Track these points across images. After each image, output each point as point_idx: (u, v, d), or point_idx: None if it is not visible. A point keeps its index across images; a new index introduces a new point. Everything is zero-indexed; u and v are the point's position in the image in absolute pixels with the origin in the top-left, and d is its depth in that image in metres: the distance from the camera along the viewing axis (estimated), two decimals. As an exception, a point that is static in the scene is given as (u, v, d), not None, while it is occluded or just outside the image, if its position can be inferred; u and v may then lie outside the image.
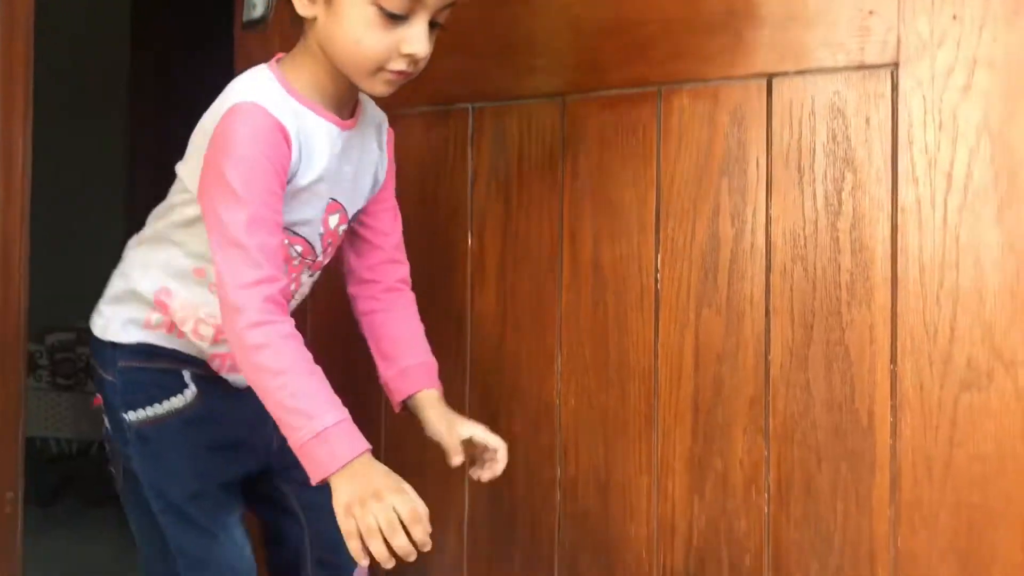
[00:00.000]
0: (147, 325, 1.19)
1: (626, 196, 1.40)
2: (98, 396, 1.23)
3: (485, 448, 1.24)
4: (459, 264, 1.54)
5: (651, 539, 1.38)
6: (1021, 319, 1.16)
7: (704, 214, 1.35)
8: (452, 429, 1.23)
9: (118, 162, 4.19)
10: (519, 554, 1.49)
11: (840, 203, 1.26)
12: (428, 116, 1.58)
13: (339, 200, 1.20)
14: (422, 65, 1.12)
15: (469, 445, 1.24)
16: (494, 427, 1.48)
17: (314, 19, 1.11)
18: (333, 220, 1.20)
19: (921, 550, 1.20)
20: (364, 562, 1.00)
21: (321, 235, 1.19)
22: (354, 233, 1.29)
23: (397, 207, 1.33)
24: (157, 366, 1.19)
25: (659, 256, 1.38)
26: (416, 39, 1.08)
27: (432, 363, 1.30)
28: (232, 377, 1.22)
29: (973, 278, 1.18)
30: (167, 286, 1.18)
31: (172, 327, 1.19)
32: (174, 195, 1.19)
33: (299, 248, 1.18)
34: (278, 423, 1.04)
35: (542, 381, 1.47)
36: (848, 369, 1.25)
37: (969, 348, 1.18)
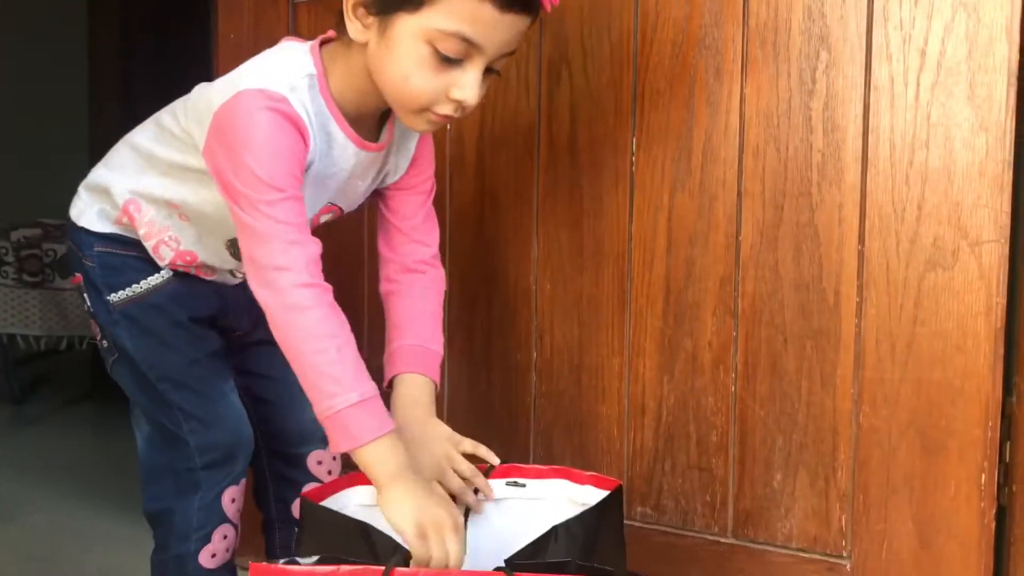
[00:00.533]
0: (117, 222, 1.21)
1: (603, 76, 1.39)
2: (76, 276, 1.25)
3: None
4: (438, 149, 1.53)
5: (622, 417, 1.40)
6: (988, 198, 1.15)
7: (680, 95, 1.33)
8: (423, 444, 1.16)
9: (81, 61, 4.17)
10: (497, 435, 1.52)
11: (814, 82, 1.25)
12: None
13: (338, 204, 1.19)
14: (469, 111, 1.06)
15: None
16: (472, 312, 1.52)
17: (365, 44, 1.05)
18: (325, 217, 1.20)
19: (882, 426, 1.23)
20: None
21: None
22: (380, 214, 1.26)
23: (429, 190, 1.27)
24: (131, 253, 1.21)
25: (635, 138, 1.37)
26: (468, 86, 1.02)
27: (428, 350, 1.21)
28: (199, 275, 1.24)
29: (942, 157, 1.17)
30: (139, 201, 1.18)
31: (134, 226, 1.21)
32: (173, 131, 1.16)
33: None
34: (305, 385, 1.03)
35: (519, 266, 1.48)
36: (816, 249, 1.25)
37: (936, 227, 1.18)
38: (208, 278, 1.23)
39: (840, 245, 1.24)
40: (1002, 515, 1.19)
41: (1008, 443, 1.18)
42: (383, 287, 1.26)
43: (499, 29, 1.00)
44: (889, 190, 1.21)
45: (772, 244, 1.28)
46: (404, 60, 1.02)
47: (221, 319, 1.26)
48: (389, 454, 1.03)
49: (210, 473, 1.21)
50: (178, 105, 1.18)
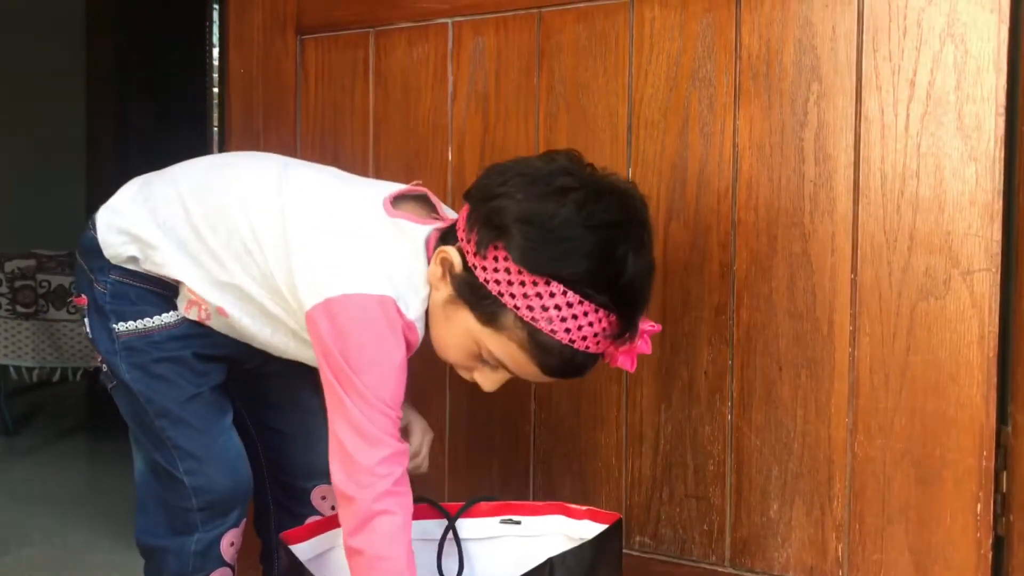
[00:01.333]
0: (147, 271, 1.17)
1: (599, 108, 1.41)
2: (82, 296, 1.21)
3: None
4: (439, 178, 1.56)
5: (620, 446, 1.41)
6: (979, 227, 1.16)
7: (674, 126, 1.35)
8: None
9: (79, 92, 4.21)
10: (497, 463, 1.53)
11: (805, 113, 1.26)
12: (409, 32, 1.58)
13: None
14: None
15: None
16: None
17: (437, 290, 1.08)
18: None
19: (877, 455, 1.23)
20: None
21: None
22: None
23: None
24: (149, 287, 1.18)
25: (630, 168, 1.38)
26: (490, 382, 1.09)
27: None
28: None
29: (933, 186, 1.18)
30: (190, 286, 1.15)
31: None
32: (256, 279, 1.12)
33: None
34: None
35: (518, 294, 1.49)
36: (810, 279, 1.26)
37: (928, 256, 1.19)
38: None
39: (833, 274, 1.25)
40: (999, 545, 1.19)
41: (1004, 472, 1.18)
42: None
43: (539, 377, 1.06)
44: (881, 219, 1.21)
45: (766, 273, 1.29)
46: (451, 337, 1.07)
47: (235, 358, 1.23)
48: None
49: (207, 516, 1.19)
50: (256, 226, 1.11)
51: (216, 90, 3.44)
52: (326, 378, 1.06)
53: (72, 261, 3.07)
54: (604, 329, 1.02)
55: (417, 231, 1.10)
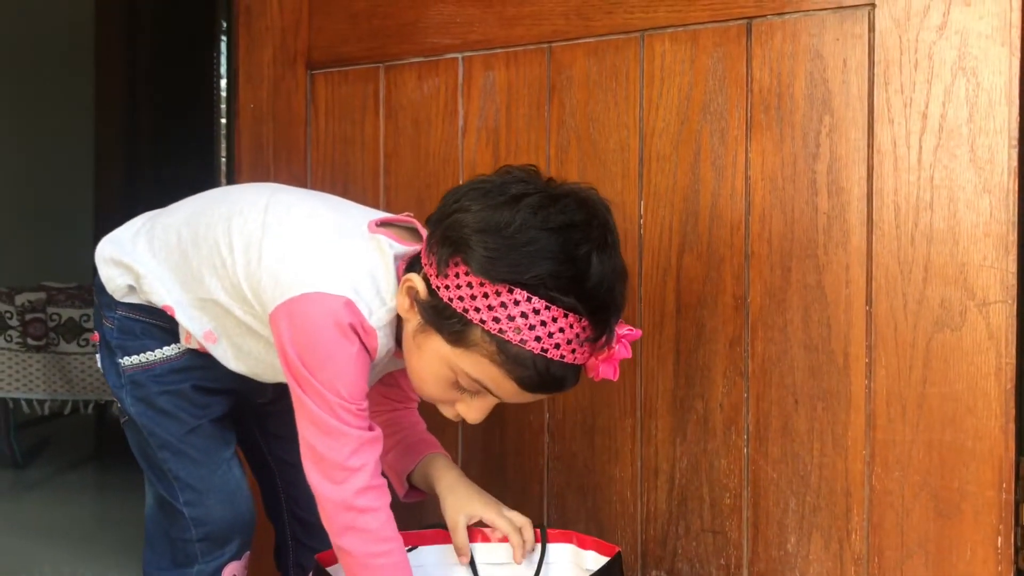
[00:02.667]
0: (144, 299, 1.20)
1: (610, 142, 1.41)
2: (95, 333, 1.27)
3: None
4: (450, 213, 1.57)
5: (635, 480, 1.40)
6: (994, 259, 1.16)
7: (686, 159, 1.35)
8: (461, 509, 1.19)
9: (87, 125, 4.24)
10: (510, 497, 1.51)
11: (818, 145, 1.26)
12: (419, 67, 1.59)
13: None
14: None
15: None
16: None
17: (408, 321, 1.07)
18: None
19: (895, 488, 1.22)
20: None
21: None
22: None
23: None
24: (154, 321, 1.21)
25: (642, 201, 1.39)
26: (474, 411, 1.07)
27: (434, 441, 1.27)
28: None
29: (947, 218, 1.18)
30: (175, 311, 1.17)
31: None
32: (228, 290, 1.14)
33: None
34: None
35: (530, 327, 1.49)
36: (824, 311, 1.26)
37: (943, 288, 1.19)
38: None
39: (848, 306, 1.25)
40: (1020, 577, 1.19)
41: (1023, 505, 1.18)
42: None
43: (520, 396, 1.04)
44: (895, 251, 1.21)
45: (780, 306, 1.29)
46: (426, 367, 1.05)
47: (241, 392, 1.25)
48: None
49: (206, 547, 1.20)
50: (231, 239, 1.13)
51: (224, 120, 3.47)
52: (288, 381, 1.07)
53: (82, 294, 3.09)
54: (577, 335, 0.99)
55: (393, 248, 1.10)
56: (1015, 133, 1.15)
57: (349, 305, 1.04)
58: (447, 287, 1.01)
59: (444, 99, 1.57)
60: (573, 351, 1.00)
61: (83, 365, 2.98)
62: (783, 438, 1.29)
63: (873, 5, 1.22)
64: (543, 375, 1.00)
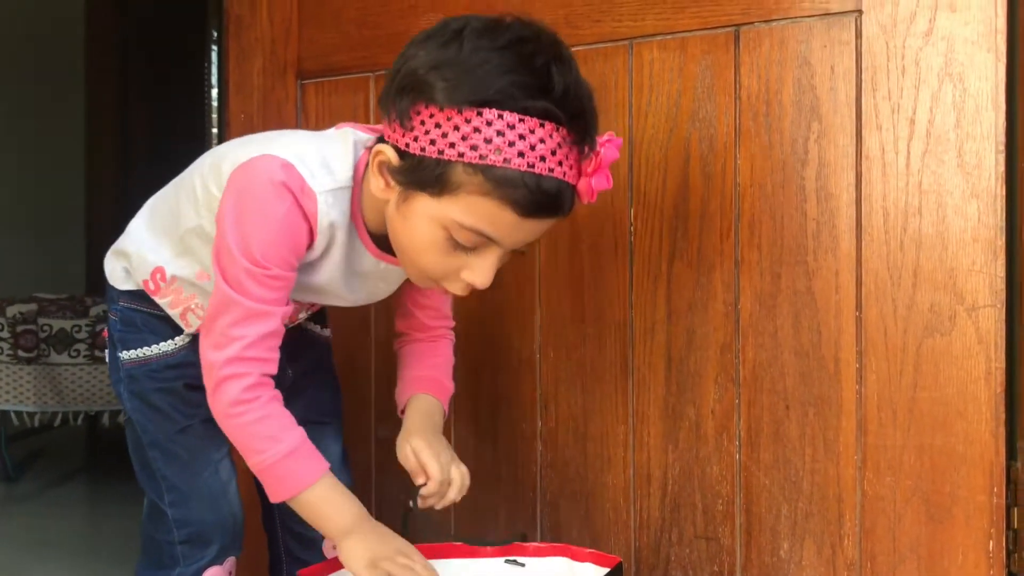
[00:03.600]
0: (142, 286, 1.20)
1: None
2: (104, 331, 1.28)
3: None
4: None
5: (628, 487, 1.40)
6: (982, 263, 1.16)
7: (675, 166, 1.36)
8: (408, 439, 1.18)
9: (79, 134, 4.24)
10: (503, 505, 1.52)
11: (806, 152, 1.27)
12: (409, 76, 1.59)
13: (352, 300, 1.19)
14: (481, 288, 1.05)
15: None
16: (477, 381, 1.53)
17: (387, 201, 1.04)
18: (337, 302, 1.20)
19: (887, 493, 1.22)
20: None
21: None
22: (401, 295, 1.27)
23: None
24: (155, 312, 1.20)
25: (632, 208, 1.39)
26: (480, 271, 1.02)
27: (442, 383, 1.25)
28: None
29: (935, 223, 1.19)
30: (164, 269, 1.17)
31: (156, 295, 1.20)
32: (199, 204, 1.13)
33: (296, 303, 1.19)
34: (237, 444, 1.10)
35: (523, 335, 1.49)
36: (815, 316, 1.26)
37: (932, 293, 1.19)
38: None
39: (838, 312, 1.25)
40: (1012, 581, 1.19)
41: (1015, 509, 1.18)
42: (397, 344, 1.30)
43: (520, 231, 1.00)
44: (884, 257, 1.22)
45: (771, 312, 1.29)
46: (419, 238, 1.01)
47: None
48: (336, 503, 1.08)
49: (188, 549, 1.20)
50: (204, 166, 1.15)
51: (215, 130, 3.47)
52: (212, 267, 1.07)
53: (73, 305, 3.08)
54: (559, 145, 0.96)
55: (355, 135, 1.10)
56: (1002, 138, 1.16)
57: (287, 166, 1.03)
58: (416, 138, 0.98)
59: (434, 108, 1.57)
60: (560, 163, 0.97)
61: (74, 376, 2.97)
62: (775, 444, 1.29)
63: (860, 12, 1.22)
64: (536, 191, 0.96)
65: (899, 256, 1.21)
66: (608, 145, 1.00)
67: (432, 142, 0.97)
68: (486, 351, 1.52)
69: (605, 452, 1.42)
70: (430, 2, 1.53)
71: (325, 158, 1.07)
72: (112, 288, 1.24)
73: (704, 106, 1.33)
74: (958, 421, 1.18)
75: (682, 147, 1.35)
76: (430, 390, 1.24)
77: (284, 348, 1.14)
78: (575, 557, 1.15)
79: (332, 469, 1.12)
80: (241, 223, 1.04)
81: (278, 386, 1.26)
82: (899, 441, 1.21)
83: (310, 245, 1.07)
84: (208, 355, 1.07)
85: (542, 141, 0.95)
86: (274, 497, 1.09)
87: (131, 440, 1.24)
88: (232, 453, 1.25)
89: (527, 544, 1.18)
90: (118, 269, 1.22)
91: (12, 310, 2.98)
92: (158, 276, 1.18)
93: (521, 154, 0.95)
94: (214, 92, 3.46)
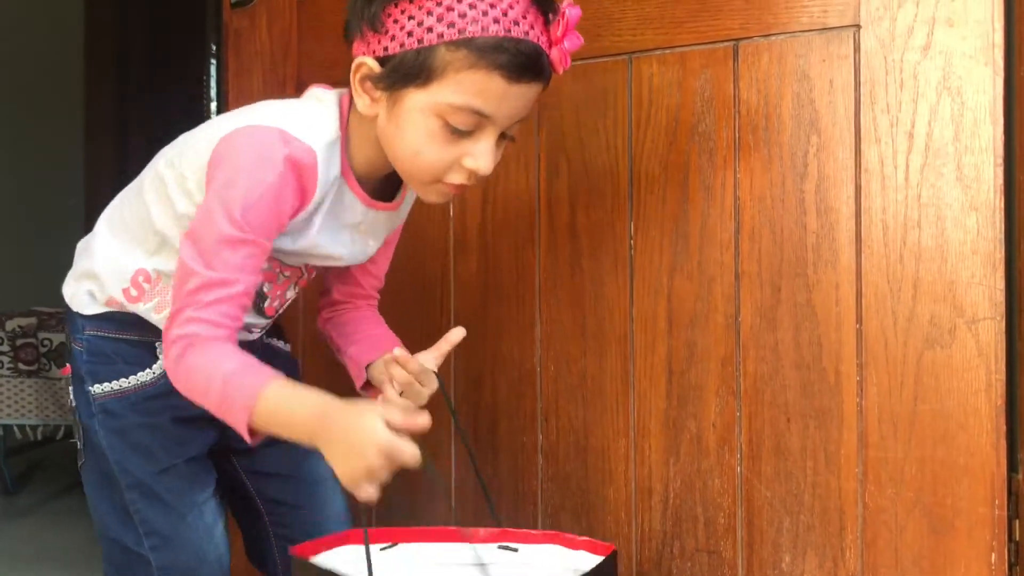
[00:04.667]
0: (109, 303, 1.16)
1: (600, 162, 1.42)
2: (66, 367, 1.20)
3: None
4: (441, 233, 1.57)
5: (629, 500, 1.40)
6: (982, 276, 1.17)
7: (675, 179, 1.36)
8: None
9: (76, 145, 4.23)
10: (505, 519, 1.52)
11: (806, 165, 1.27)
12: (409, 90, 1.60)
13: (346, 258, 1.18)
14: (483, 179, 1.05)
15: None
16: (477, 394, 1.53)
17: (375, 119, 1.05)
18: (330, 262, 1.19)
19: (888, 505, 1.22)
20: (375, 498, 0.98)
21: (307, 265, 1.19)
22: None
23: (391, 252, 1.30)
24: (126, 337, 1.16)
25: (632, 222, 1.39)
26: (481, 154, 1.02)
27: (398, 341, 1.24)
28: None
29: (935, 236, 1.19)
30: (148, 272, 1.14)
31: (140, 300, 1.15)
32: (166, 180, 1.12)
33: (287, 273, 1.17)
34: (200, 403, 1.05)
35: (523, 348, 1.49)
36: (815, 329, 1.27)
37: (932, 305, 1.19)
38: None
39: (839, 324, 1.25)
40: (1014, 593, 1.19)
41: (1016, 521, 1.18)
42: (330, 313, 1.27)
43: (509, 99, 1.01)
44: (884, 269, 1.22)
45: (771, 324, 1.29)
46: (415, 134, 1.02)
47: (211, 418, 1.17)
48: (293, 406, 1.00)
49: None
50: (167, 155, 1.14)
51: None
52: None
53: (72, 318, 3.07)
54: (527, 9, 0.99)
55: (324, 90, 1.11)
56: (1000, 151, 1.16)
57: (282, 133, 1.02)
58: (392, 37, 1.00)
59: (434, 122, 1.57)
60: (532, 27, 1.00)
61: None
62: (776, 457, 1.29)
63: (858, 26, 1.23)
64: (518, 53, 0.98)
65: (899, 269, 1.21)
66: (570, 7, 1.03)
67: (409, 34, 0.99)
68: (486, 364, 1.53)
69: (606, 465, 1.42)
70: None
71: (309, 118, 1.07)
72: (75, 316, 1.17)
73: (703, 120, 1.34)
74: (959, 433, 1.18)
75: (682, 160, 1.35)
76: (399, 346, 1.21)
77: None
78: (569, 545, 1.14)
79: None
80: (229, 188, 1.02)
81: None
82: (900, 453, 1.21)
83: (301, 207, 1.05)
84: (167, 326, 1.04)
85: (511, 7, 0.99)
86: (240, 428, 1.00)
87: (93, 481, 1.18)
88: (216, 493, 1.20)
89: (519, 531, 1.17)
90: (81, 293, 1.17)
91: (11, 324, 2.98)
92: (140, 279, 1.13)
93: (496, 21, 0.98)
94: (213, 106, 3.47)
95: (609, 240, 1.42)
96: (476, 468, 1.20)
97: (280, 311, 1.22)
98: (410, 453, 0.93)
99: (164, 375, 1.13)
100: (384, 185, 1.15)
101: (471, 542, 1.17)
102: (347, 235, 1.14)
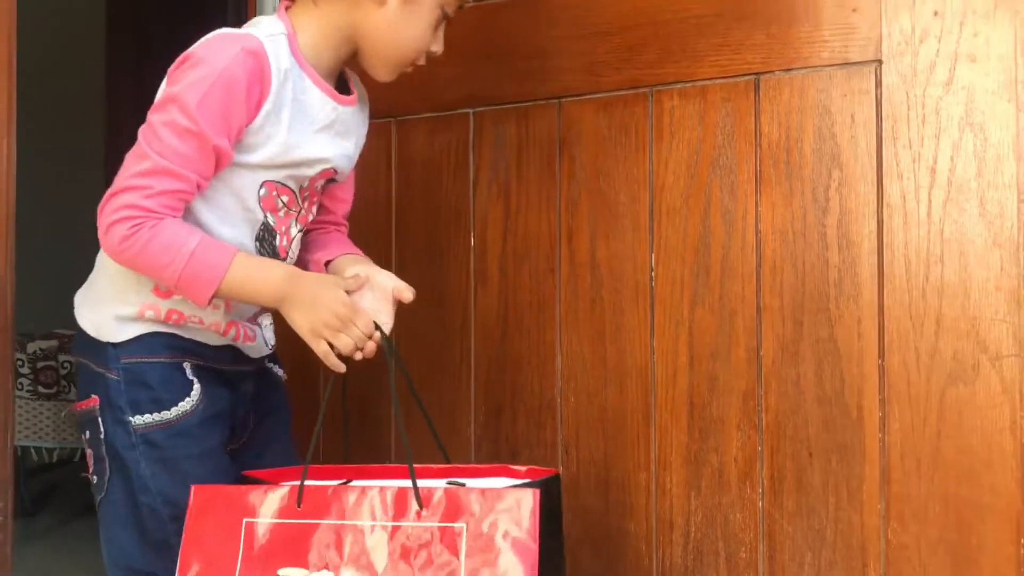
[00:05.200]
0: (140, 317, 1.17)
1: (621, 195, 1.42)
2: (91, 398, 1.18)
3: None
4: (462, 264, 1.58)
5: (650, 534, 1.40)
6: (1005, 313, 1.16)
7: (696, 212, 1.36)
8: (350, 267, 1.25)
9: (97, 167, 4.24)
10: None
11: (827, 199, 1.27)
12: (431, 121, 1.61)
13: (333, 160, 1.23)
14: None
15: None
16: (497, 424, 1.53)
17: (380, 6, 1.16)
18: (320, 183, 1.25)
19: (911, 543, 1.21)
20: (342, 370, 1.14)
21: (304, 188, 1.23)
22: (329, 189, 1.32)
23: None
24: (160, 359, 1.17)
25: (653, 254, 1.40)
26: (441, 41, 1.22)
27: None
28: (247, 346, 1.23)
29: (958, 272, 1.19)
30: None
31: (169, 316, 1.17)
32: None
33: (285, 198, 1.20)
34: (150, 275, 1.13)
35: (543, 379, 1.49)
36: (837, 364, 1.26)
37: (955, 342, 1.19)
38: (225, 336, 1.21)
39: (861, 359, 1.25)
40: (1040, 633, 1.17)
41: (1042, 559, 1.17)
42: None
43: None
44: (906, 305, 1.22)
45: (793, 359, 1.29)
46: (421, 24, 1.18)
47: (231, 417, 1.23)
48: (260, 271, 1.15)
49: None
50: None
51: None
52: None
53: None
54: None
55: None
56: (1024, 188, 1.16)
57: (230, 33, 1.14)
58: None
59: (455, 153, 1.58)
60: None
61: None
62: (798, 492, 1.29)
63: (880, 61, 1.23)
64: None
65: (921, 304, 1.21)
66: None
67: None
68: (507, 395, 1.53)
69: (627, 498, 1.42)
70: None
71: (256, 25, 1.18)
72: (106, 349, 1.17)
73: (725, 153, 1.34)
74: (984, 472, 1.17)
75: (703, 194, 1.36)
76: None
77: (250, 392, 1.22)
78: (513, 475, 1.15)
79: None
80: (180, 79, 1.11)
81: (239, 431, 1.26)
82: (923, 490, 1.20)
83: (261, 100, 1.12)
84: (106, 197, 1.12)
85: None
86: (200, 299, 1.12)
87: (118, 513, 1.18)
88: None
89: (466, 466, 1.20)
90: (107, 321, 1.18)
91: (33, 346, 3.01)
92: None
93: None
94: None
95: (629, 272, 1.42)
96: (421, 405, 1.21)
97: (292, 255, 1.25)
98: (365, 318, 1.13)
99: (202, 400, 1.17)
100: (336, 83, 1.23)
101: (421, 478, 1.16)
102: (325, 137, 1.21)
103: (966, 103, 1.18)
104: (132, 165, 1.11)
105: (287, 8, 1.20)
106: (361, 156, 1.66)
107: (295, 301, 1.13)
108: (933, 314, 1.20)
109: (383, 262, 1.62)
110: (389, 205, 1.64)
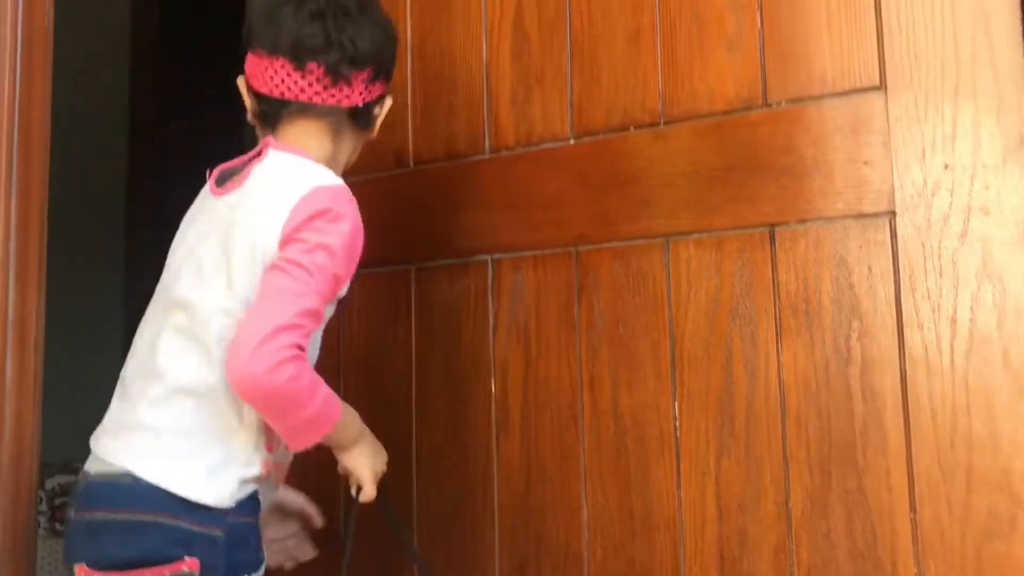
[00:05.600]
0: (256, 480, 1.19)
1: (641, 343, 1.43)
2: (182, 559, 1.12)
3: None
4: (483, 411, 1.57)
5: None
6: (1038, 465, 1.14)
7: (718, 361, 1.36)
8: None
9: (116, 299, 4.25)
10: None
11: (849, 350, 1.27)
12: (450, 268, 1.63)
13: None
14: None
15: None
16: (523, 577, 1.50)
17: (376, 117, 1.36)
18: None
19: None
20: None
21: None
22: None
23: None
24: (254, 519, 1.20)
25: (676, 403, 1.39)
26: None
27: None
28: (268, 485, 1.26)
29: (986, 423, 1.18)
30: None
31: (269, 470, 1.22)
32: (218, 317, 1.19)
33: None
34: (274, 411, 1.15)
35: (568, 531, 1.47)
36: (868, 517, 1.24)
37: (989, 495, 1.17)
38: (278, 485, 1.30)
39: (892, 513, 1.22)
40: None
41: None
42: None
43: None
44: (935, 456, 1.20)
45: (823, 511, 1.27)
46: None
47: None
48: (350, 422, 1.26)
49: None
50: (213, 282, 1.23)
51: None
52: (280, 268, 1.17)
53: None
54: None
55: (298, 152, 1.30)
56: (1047, 339, 1.15)
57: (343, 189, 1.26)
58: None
59: (475, 299, 1.60)
60: None
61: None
62: (836, 651, 1.25)
63: (893, 213, 1.24)
64: None
65: (950, 456, 1.19)
66: None
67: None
68: (531, 547, 1.50)
69: (659, 655, 1.38)
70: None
71: (319, 169, 1.28)
72: (213, 513, 1.14)
73: (743, 303, 1.35)
74: (1027, 631, 1.14)
75: (723, 343, 1.36)
76: None
77: None
78: None
79: None
80: (328, 230, 1.19)
81: None
82: (966, 650, 1.17)
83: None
84: (259, 323, 1.11)
85: None
86: (309, 442, 1.18)
87: None
88: None
89: None
90: (230, 483, 1.16)
91: (51, 482, 2.99)
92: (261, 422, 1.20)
93: None
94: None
95: (653, 421, 1.41)
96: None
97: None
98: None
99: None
100: None
101: None
102: None
103: (982, 254, 1.19)
104: (293, 302, 1.14)
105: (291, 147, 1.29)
106: (380, 302, 1.70)
107: (366, 445, 1.28)
108: (963, 466, 1.18)
109: (403, 409, 1.63)
110: (409, 349, 1.65)
